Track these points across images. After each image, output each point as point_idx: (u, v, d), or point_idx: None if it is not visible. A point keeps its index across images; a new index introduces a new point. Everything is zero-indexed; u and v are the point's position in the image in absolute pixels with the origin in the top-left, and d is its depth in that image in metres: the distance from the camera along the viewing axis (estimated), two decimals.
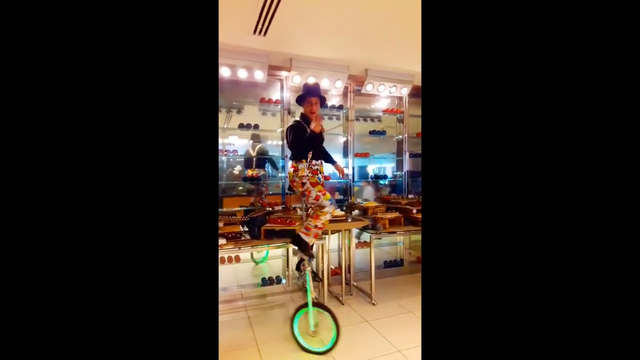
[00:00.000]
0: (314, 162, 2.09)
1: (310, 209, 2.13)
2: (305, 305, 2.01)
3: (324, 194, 2.03)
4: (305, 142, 2.03)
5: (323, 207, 2.02)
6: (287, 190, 3.02)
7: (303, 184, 2.06)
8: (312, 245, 2.10)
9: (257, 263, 3.15)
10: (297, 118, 2.15)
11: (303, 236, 2.05)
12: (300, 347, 1.99)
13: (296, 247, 2.09)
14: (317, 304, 1.99)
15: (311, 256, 2.07)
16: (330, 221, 2.61)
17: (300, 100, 2.17)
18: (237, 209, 2.83)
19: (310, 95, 2.11)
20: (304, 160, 2.06)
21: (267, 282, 2.86)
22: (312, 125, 2.01)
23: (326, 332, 1.96)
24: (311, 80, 2.92)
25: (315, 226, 2.03)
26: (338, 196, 3.38)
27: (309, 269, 2.07)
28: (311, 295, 1.98)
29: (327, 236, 2.64)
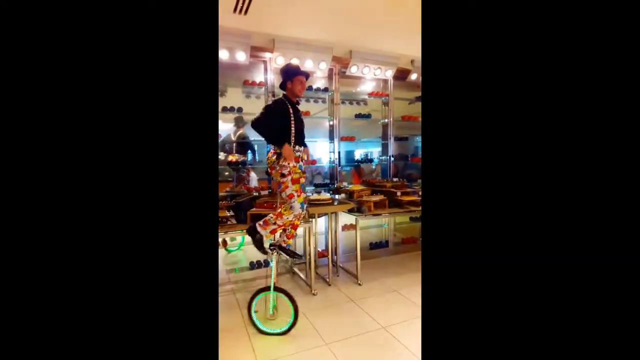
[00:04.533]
0: (297, 147, 2.00)
1: (280, 203, 2.05)
2: (262, 290, 2.03)
3: (298, 195, 1.95)
4: (288, 126, 1.94)
5: (291, 207, 1.95)
6: (265, 175, 2.99)
7: (283, 175, 1.93)
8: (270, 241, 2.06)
9: (228, 251, 3.13)
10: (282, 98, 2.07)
11: (258, 228, 2.00)
12: (257, 330, 2.01)
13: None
14: (277, 289, 2.00)
15: (263, 252, 2.04)
16: (317, 204, 2.63)
17: (289, 77, 2.02)
18: (223, 194, 2.80)
19: (301, 73, 2.02)
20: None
21: (254, 265, 2.89)
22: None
23: (285, 315, 1.99)
24: (295, 62, 2.87)
25: (275, 223, 1.97)
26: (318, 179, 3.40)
27: (274, 256, 2.04)
28: (274, 280, 1.99)
29: (314, 219, 2.67)
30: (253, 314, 2.04)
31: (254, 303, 2.04)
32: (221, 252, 3.06)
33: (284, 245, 2.11)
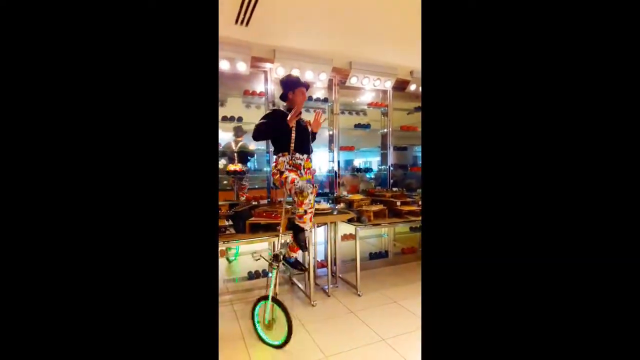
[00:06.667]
0: (297, 155, 2.02)
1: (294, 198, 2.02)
2: (262, 298, 2.03)
3: (299, 177, 1.97)
4: (280, 129, 1.95)
5: (302, 190, 1.91)
6: (271, 185, 3.00)
7: (281, 172, 2.00)
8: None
9: (230, 261, 3.12)
10: (282, 108, 2.11)
11: (298, 223, 1.98)
12: (258, 337, 2.03)
13: (286, 241, 2.05)
14: (276, 300, 1.99)
15: (304, 248, 2.04)
16: (316, 214, 2.61)
17: (291, 89, 2.08)
18: (221, 202, 2.79)
19: (302, 85, 2.08)
20: (286, 154, 2.01)
21: (253, 275, 2.85)
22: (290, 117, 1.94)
23: (282, 327, 1.95)
24: (295, 72, 2.90)
25: (305, 212, 1.95)
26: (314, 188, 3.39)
27: (276, 265, 2.02)
28: (273, 289, 1.98)
29: (313, 229, 2.65)
30: (256, 322, 2.06)
31: (255, 311, 2.06)
32: (221, 262, 3.03)
33: (287, 256, 2.10)
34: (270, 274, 2.02)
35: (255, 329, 2.05)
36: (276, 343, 1.96)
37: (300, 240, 2.00)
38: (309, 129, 2.14)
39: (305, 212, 1.95)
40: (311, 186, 1.94)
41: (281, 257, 2.05)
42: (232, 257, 3.11)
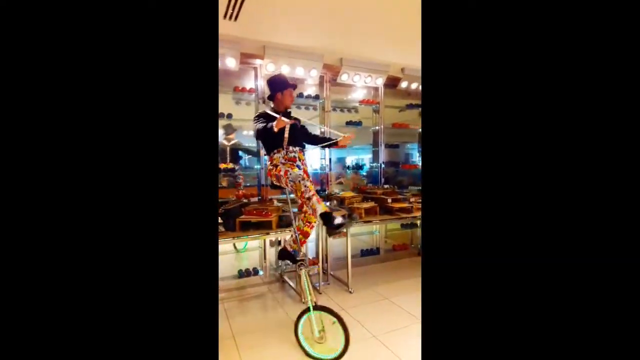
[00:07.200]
0: (291, 148, 1.99)
1: (304, 207, 1.88)
2: (307, 309, 1.83)
3: (292, 169, 1.90)
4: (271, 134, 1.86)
5: (294, 180, 1.82)
6: (262, 182, 2.97)
7: (276, 166, 1.97)
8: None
9: (238, 251, 3.13)
10: (268, 111, 2.04)
11: (290, 249, 1.93)
12: (305, 353, 1.84)
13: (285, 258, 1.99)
14: (320, 307, 1.80)
15: (296, 261, 1.95)
16: None
17: (280, 89, 2.04)
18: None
19: (291, 86, 2.06)
20: (280, 150, 1.98)
21: (243, 274, 2.83)
22: (276, 123, 1.81)
23: (333, 338, 1.77)
24: (285, 69, 2.87)
25: (306, 232, 1.89)
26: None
27: (304, 270, 1.90)
28: (311, 298, 1.79)
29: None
30: (301, 337, 1.88)
31: (299, 327, 1.88)
32: (227, 256, 3.04)
33: (289, 250, 2.01)
34: (303, 279, 1.87)
35: (302, 347, 1.86)
36: (331, 357, 1.75)
37: (333, 223, 1.80)
38: (299, 124, 2.11)
39: (306, 232, 1.91)
40: (302, 173, 1.89)
41: (297, 257, 1.95)
42: (242, 249, 3.12)
